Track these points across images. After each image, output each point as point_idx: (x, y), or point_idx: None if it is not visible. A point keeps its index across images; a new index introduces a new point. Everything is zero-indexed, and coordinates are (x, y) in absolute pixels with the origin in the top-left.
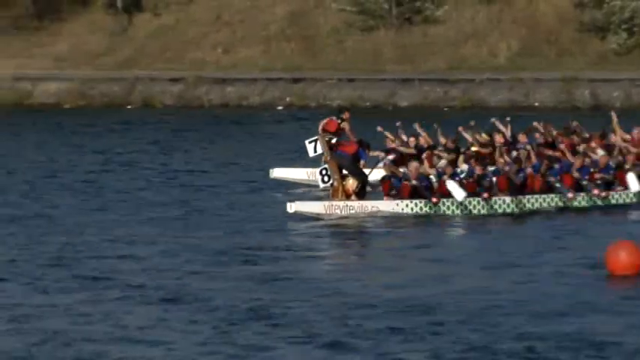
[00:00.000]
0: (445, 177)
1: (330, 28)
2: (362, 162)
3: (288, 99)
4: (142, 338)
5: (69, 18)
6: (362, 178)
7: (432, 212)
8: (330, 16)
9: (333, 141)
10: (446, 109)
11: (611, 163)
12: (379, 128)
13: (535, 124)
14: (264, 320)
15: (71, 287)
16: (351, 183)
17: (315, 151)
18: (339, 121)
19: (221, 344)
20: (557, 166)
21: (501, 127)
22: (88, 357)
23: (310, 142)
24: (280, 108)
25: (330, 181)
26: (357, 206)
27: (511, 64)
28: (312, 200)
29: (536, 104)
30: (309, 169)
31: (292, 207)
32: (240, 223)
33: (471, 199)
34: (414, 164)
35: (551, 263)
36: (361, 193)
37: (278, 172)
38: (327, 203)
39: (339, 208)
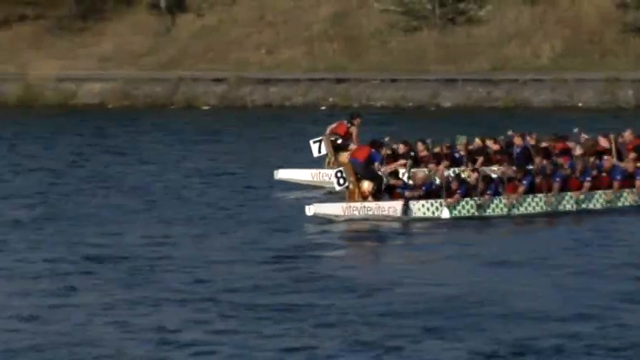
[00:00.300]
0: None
1: (373, 29)
2: (376, 164)
3: (331, 99)
4: (179, 338)
5: (113, 18)
6: (377, 181)
7: (449, 213)
8: (373, 17)
9: (339, 141)
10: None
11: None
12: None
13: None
14: (305, 320)
15: (112, 286)
16: (367, 185)
17: (320, 152)
18: (349, 125)
19: (259, 343)
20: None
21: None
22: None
23: (315, 142)
24: (323, 108)
25: (346, 184)
26: (374, 207)
27: (554, 65)
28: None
29: (580, 104)
30: (314, 171)
31: (311, 209)
32: (268, 224)
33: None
34: (420, 174)
35: (594, 262)
36: (378, 195)
37: (283, 174)
38: (344, 205)
39: (356, 209)
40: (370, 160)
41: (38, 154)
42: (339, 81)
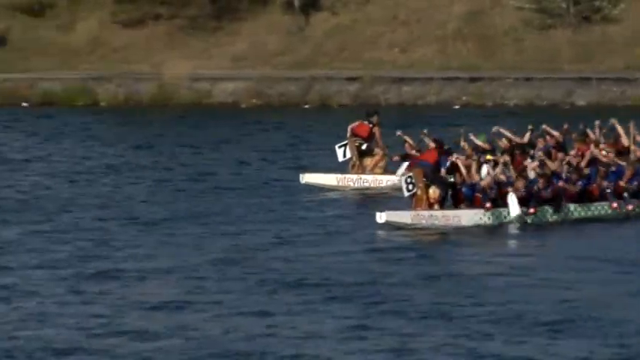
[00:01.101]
0: (510, 190)
1: (507, 27)
2: (442, 170)
3: (464, 98)
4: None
5: (247, 18)
6: (444, 187)
7: (513, 221)
8: (507, 15)
9: (364, 146)
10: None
11: None
12: (399, 132)
13: (544, 126)
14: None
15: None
16: (434, 191)
17: (345, 156)
18: (371, 126)
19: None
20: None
21: (507, 134)
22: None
23: (340, 147)
24: (457, 107)
25: (414, 190)
26: (440, 216)
27: None
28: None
29: None
30: (339, 175)
31: (382, 217)
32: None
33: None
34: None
35: None
36: (443, 203)
37: (309, 178)
38: (413, 213)
39: (424, 217)
40: (439, 165)
41: (178, 153)
42: (472, 80)
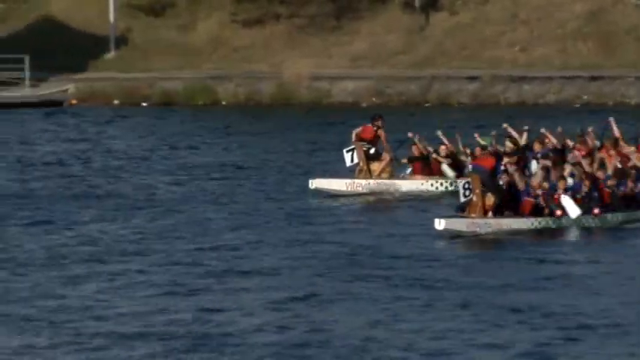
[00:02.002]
0: (560, 191)
1: (628, 26)
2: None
3: (584, 97)
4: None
5: (367, 17)
6: (499, 194)
7: (556, 227)
8: (628, 13)
9: (372, 151)
10: None
11: None
12: (410, 134)
13: (543, 130)
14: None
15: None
16: (488, 198)
17: (352, 161)
18: (375, 129)
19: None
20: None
21: (514, 134)
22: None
23: (348, 152)
24: (577, 106)
25: (470, 196)
26: (493, 223)
27: None
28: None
29: None
30: (348, 180)
31: (441, 223)
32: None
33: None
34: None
35: None
36: (499, 209)
37: (318, 183)
38: (469, 220)
39: (479, 225)
40: (496, 171)
41: (296, 151)
42: (592, 78)
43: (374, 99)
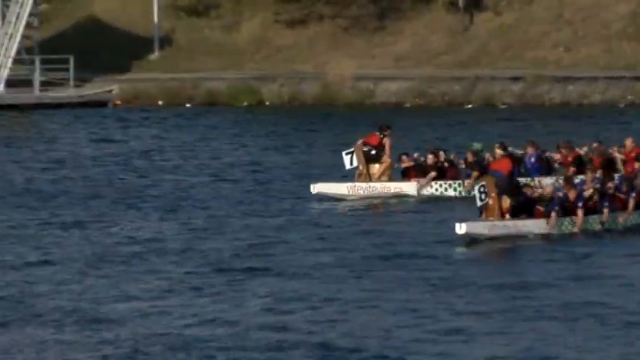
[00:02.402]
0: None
1: None
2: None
3: (629, 97)
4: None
5: (410, 17)
6: (518, 197)
7: (575, 230)
8: None
9: (372, 152)
10: None
11: None
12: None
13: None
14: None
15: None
16: (505, 200)
17: (352, 164)
18: (382, 137)
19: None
20: None
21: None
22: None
23: (347, 154)
24: (622, 106)
25: (486, 200)
26: (511, 225)
27: None
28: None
29: None
30: (349, 184)
31: (462, 227)
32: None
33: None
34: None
35: None
36: (517, 212)
37: (320, 187)
38: (489, 224)
39: (498, 228)
40: (513, 175)
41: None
42: (637, 79)
43: (417, 99)
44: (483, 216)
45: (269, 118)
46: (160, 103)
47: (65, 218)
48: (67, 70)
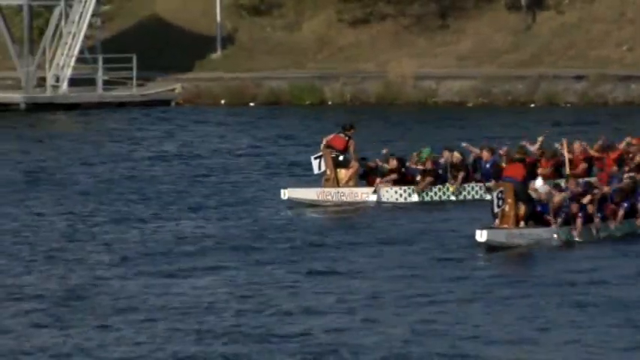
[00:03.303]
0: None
1: None
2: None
3: None
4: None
5: (473, 17)
6: (531, 204)
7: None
8: None
9: (340, 158)
10: None
11: None
12: (464, 144)
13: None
14: None
15: None
16: (520, 208)
17: (320, 169)
18: (347, 139)
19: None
20: None
21: (474, 150)
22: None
23: (316, 159)
24: None
25: (503, 206)
26: (527, 233)
27: None
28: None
29: None
30: (319, 189)
31: (483, 235)
32: None
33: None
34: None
35: None
36: (530, 219)
37: (291, 193)
38: (509, 231)
39: (515, 236)
40: (526, 180)
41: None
42: None
43: (480, 99)
44: (497, 222)
45: (330, 116)
46: (223, 102)
47: (142, 215)
48: (130, 69)
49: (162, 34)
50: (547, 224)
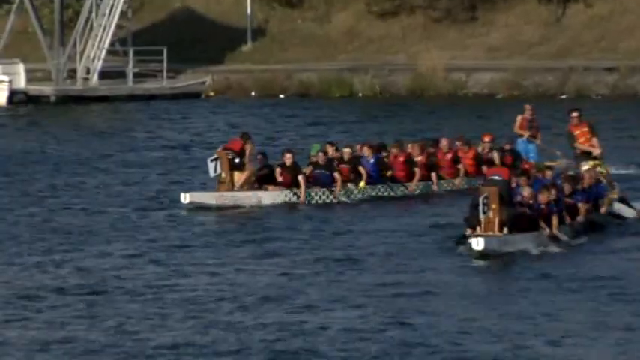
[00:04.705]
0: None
1: None
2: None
3: None
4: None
5: (502, 8)
6: (513, 209)
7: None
8: None
9: (236, 160)
10: None
11: None
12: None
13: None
14: None
15: None
16: (503, 212)
17: (215, 171)
18: (243, 142)
19: None
20: None
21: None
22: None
23: (212, 161)
24: None
25: (488, 212)
26: (520, 239)
27: None
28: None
29: None
30: (216, 194)
31: (480, 243)
32: None
33: None
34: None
35: None
36: (511, 225)
37: (192, 197)
38: (501, 239)
39: (508, 242)
40: (511, 181)
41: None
42: None
43: (510, 90)
44: (481, 229)
45: (359, 108)
46: (253, 94)
47: (158, 209)
48: (161, 61)
49: (193, 26)
50: (534, 227)
